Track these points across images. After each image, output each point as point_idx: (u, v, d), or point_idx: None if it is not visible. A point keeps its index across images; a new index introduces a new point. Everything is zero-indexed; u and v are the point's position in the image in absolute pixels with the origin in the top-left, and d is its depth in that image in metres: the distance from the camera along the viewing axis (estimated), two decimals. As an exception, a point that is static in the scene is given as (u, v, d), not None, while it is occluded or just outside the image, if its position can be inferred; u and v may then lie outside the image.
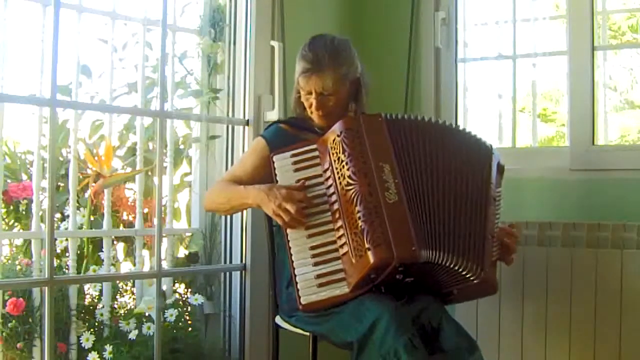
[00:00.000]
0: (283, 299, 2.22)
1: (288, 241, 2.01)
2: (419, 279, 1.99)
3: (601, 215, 2.57)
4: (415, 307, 1.94)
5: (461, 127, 2.24)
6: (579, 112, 2.72)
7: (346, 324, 1.93)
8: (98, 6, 2.54)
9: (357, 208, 1.92)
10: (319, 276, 1.95)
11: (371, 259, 1.87)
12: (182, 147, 2.82)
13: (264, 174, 2.16)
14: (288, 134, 2.25)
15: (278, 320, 2.28)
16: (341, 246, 1.95)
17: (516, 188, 2.71)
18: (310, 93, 2.18)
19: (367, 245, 1.88)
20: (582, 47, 2.71)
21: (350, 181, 1.96)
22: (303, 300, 1.95)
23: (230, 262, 2.74)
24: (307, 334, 2.11)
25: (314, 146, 2.09)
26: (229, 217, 2.72)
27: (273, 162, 2.09)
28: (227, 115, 2.76)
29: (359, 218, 1.91)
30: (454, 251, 1.95)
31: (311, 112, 2.22)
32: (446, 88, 3.04)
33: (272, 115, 2.66)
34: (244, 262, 2.69)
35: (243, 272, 2.70)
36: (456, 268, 1.95)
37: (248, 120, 2.70)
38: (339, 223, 1.96)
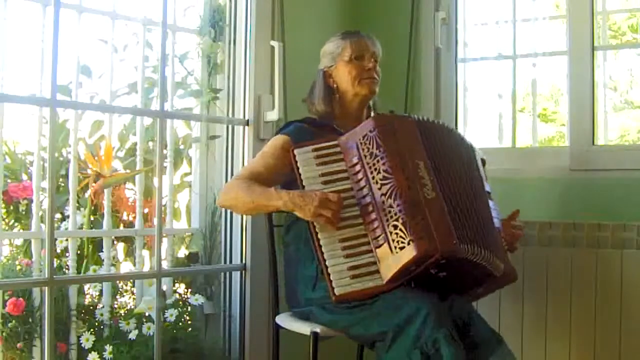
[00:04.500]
0: (300, 297, 2.18)
1: (316, 233, 1.98)
2: (451, 274, 2.00)
3: (601, 215, 2.57)
4: (446, 303, 1.94)
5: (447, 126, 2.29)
6: (579, 112, 2.72)
7: (381, 314, 1.93)
8: (98, 6, 2.54)
9: (397, 202, 1.93)
10: (351, 268, 1.94)
11: (414, 251, 1.88)
12: (182, 147, 2.82)
13: (287, 169, 2.11)
14: (309, 131, 2.24)
15: (278, 320, 2.28)
16: (375, 238, 1.95)
17: (516, 188, 2.71)
18: (360, 57, 2.24)
19: (410, 237, 1.89)
20: (582, 47, 2.71)
21: (387, 175, 1.97)
22: (337, 291, 1.94)
23: (230, 262, 2.74)
24: (308, 333, 2.11)
25: (336, 142, 2.09)
26: (229, 217, 2.72)
27: (294, 156, 2.06)
28: (227, 115, 2.76)
29: (400, 211, 1.92)
30: (483, 246, 1.99)
31: (359, 81, 2.25)
32: (446, 88, 3.04)
33: (272, 115, 2.66)
34: (244, 262, 2.69)
35: (243, 272, 2.70)
36: (484, 264, 1.99)
37: (248, 120, 2.70)
38: (372, 216, 1.96)
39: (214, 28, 2.75)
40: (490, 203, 2.20)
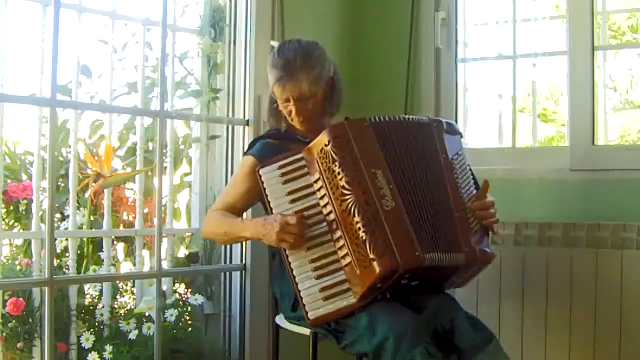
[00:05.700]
0: (287, 310, 2.20)
1: (287, 256, 1.98)
2: (424, 281, 1.99)
3: (601, 215, 2.57)
4: (426, 314, 1.93)
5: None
6: (579, 112, 2.72)
7: (360, 336, 1.92)
8: (98, 6, 2.54)
9: (356, 218, 1.91)
10: (323, 289, 1.94)
11: (376, 270, 1.86)
12: (182, 147, 2.82)
13: (258, 192, 2.09)
14: (275, 146, 2.21)
15: (278, 320, 2.28)
16: (343, 257, 1.93)
17: (516, 188, 2.71)
18: (287, 100, 2.16)
19: (371, 256, 1.87)
20: (582, 47, 2.70)
21: (345, 191, 1.93)
22: (311, 315, 1.94)
23: (230, 262, 2.74)
24: (308, 333, 2.11)
25: (300, 155, 2.03)
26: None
27: (260, 176, 2.03)
28: (227, 115, 2.76)
29: (359, 229, 1.90)
30: (444, 249, 1.95)
31: (291, 120, 2.21)
32: (446, 88, 3.04)
33: (272, 115, 2.66)
34: (244, 262, 2.69)
35: (243, 272, 2.70)
36: (446, 265, 1.96)
37: (248, 120, 2.70)
38: (338, 233, 1.94)
39: (214, 28, 2.75)
40: (457, 172, 2.08)
